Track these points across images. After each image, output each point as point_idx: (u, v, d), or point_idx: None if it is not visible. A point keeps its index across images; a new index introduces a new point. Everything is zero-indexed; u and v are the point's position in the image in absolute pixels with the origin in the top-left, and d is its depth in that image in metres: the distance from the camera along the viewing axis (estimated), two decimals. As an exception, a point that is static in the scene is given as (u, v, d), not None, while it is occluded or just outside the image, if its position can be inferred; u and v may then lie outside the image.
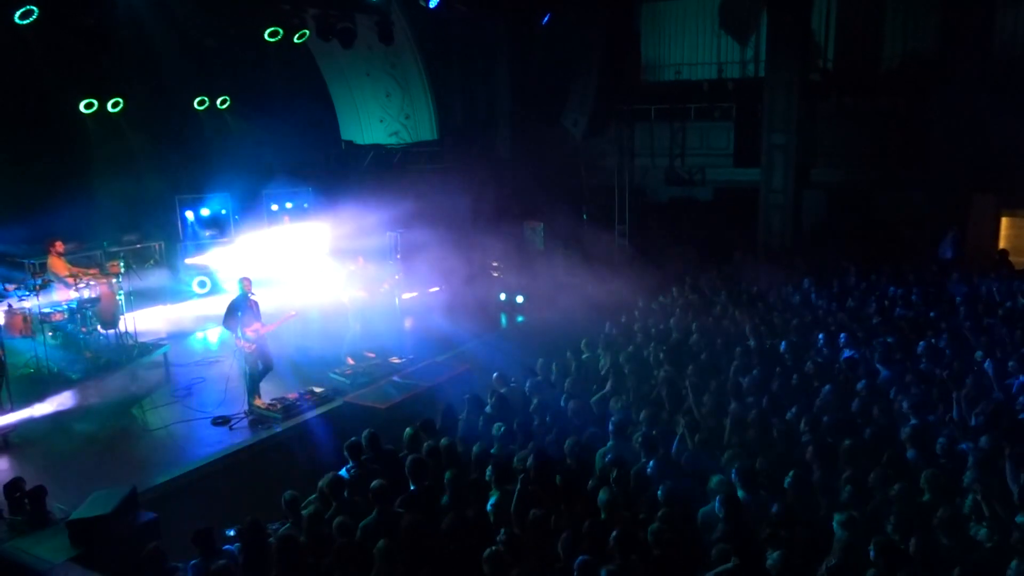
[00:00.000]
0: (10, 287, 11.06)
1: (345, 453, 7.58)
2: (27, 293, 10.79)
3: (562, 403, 8.67)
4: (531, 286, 15.50)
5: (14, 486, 7.42)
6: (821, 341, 10.46)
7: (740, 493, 6.19)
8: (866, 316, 11.61)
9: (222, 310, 10.32)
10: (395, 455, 7.71)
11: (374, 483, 6.47)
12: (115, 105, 13.73)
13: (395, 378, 11.07)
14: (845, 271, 14.40)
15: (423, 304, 15.01)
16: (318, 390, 10.55)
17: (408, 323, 14.01)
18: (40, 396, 9.87)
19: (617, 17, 20.01)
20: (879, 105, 17.13)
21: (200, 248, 15.03)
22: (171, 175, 15.37)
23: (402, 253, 15.18)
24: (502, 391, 9.11)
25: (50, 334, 10.99)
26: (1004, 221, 16.59)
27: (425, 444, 7.52)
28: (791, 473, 6.41)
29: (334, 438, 8.82)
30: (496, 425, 7.90)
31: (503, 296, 15.84)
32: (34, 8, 11.11)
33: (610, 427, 7.63)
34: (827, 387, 8.55)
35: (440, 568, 5.78)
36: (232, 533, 6.86)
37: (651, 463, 6.85)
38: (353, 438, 7.70)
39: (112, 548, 6.70)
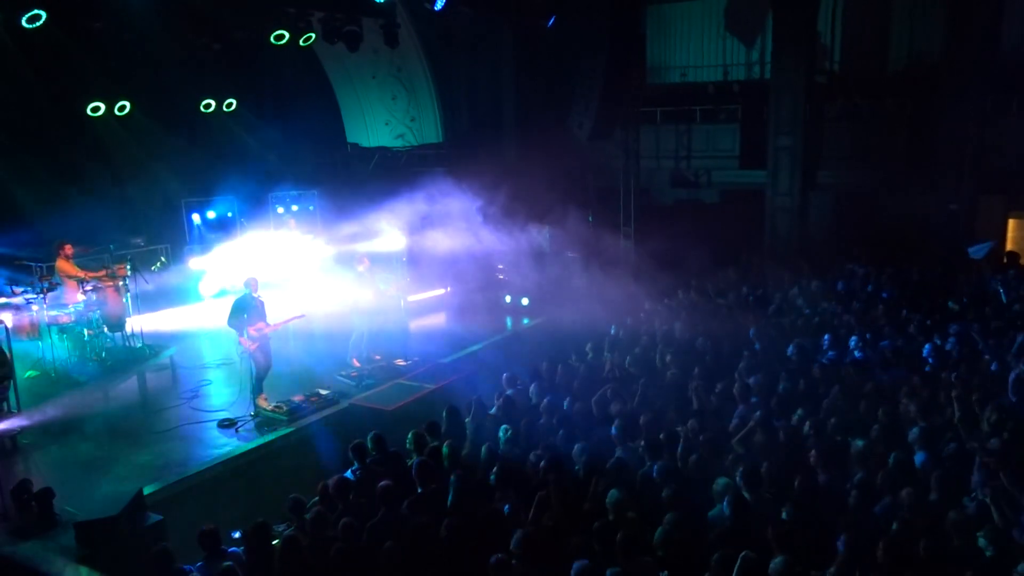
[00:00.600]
0: (17, 290, 11.09)
1: (351, 455, 7.59)
2: (34, 296, 10.83)
3: (566, 405, 8.67)
4: (537, 288, 15.49)
5: (22, 488, 7.44)
6: (827, 343, 10.43)
7: (745, 495, 6.17)
8: (872, 318, 11.57)
9: (228, 311, 10.35)
10: (401, 457, 7.71)
11: (380, 485, 6.47)
12: (122, 109, 13.77)
13: (401, 380, 11.07)
14: (851, 273, 14.36)
15: (429, 306, 15.02)
16: (324, 392, 10.56)
17: (414, 325, 14.01)
18: (47, 398, 9.89)
19: (623, 19, 19.95)
20: (885, 107, 17.09)
21: (206, 251, 15.05)
22: (177, 178, 15.41)
23: (408, 255, 15.18)
24: (509, 393, 9.11)
25: (57, 337, 11.03)
26: (1011, 223, 16.54)
27: (429, 446, 7.52)
28: (798, 477, 6.39)
29: (340, 440, 8.83)
30: (503, 428, 7.90)
31: (509, 298, 15.83)
32: (41, 12, 11.16)
33: (615, 430, 7.62)
34: (834, 389, 8.53)
35: (445, 570, 5.77)
36: (238, 535, 6.86)
37: (656, 466, 6.84)
38: (358, 440, 7.71)
39: (119, 550, 6.71)
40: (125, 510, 6.93)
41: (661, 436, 7.36)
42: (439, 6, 15.54)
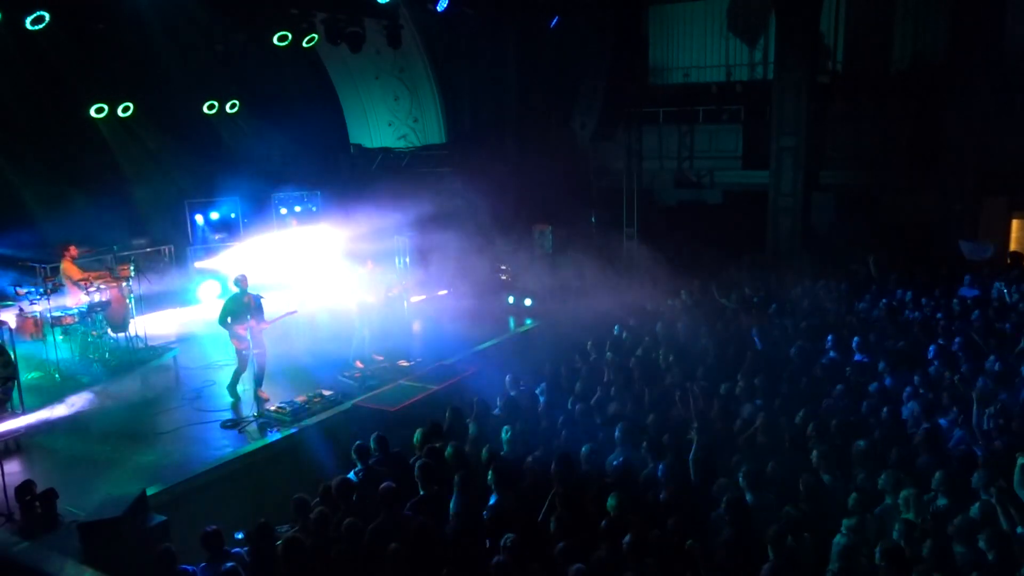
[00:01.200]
0: (22, 291, 11.11)
1: (353, 456, 7.60)
2: (38, 297, 10.85)
3: (569, 406, 8.66)
4: (539, 289, 15.49)
5: (25, 489, 7.45)
6: (830, 344, 10.42)
7: (748, 496, 6.17)
8: (876, 319, 11.56)
9: (219, 311, 10.43)
10: (404, 458, 7.71)
11: (382, 486, 6.47)
12: (125, 110, 13.80)
13: (404, 381, 11.06)
14: (854, 274, 14.34)
15: (432, 307, 15.02)
16: (327, 393, 10.56)
17: (417, 326, 14.02)
18: (51, 399, 9.91)
19: (625, 20, 20.03)
20: (889, 107, 17.07)
21: (210, 252, 15.07)
22: (181, 179, 15.41)
23: (411, 256, 15.19)
24: (512, 394, 9.11)
25: (61, 338, 11.05)
26: (1015, 224, 16.51)
27: (430, 446, 7.51)
28: (802, 477, 6.38)
29: (343, 441, 8.83)
30: (505, 428, 7.90)
31: (511, 299, 15.83)
32: (45, 14, 11.19)
33: (618, 432, 7.62)
34: (837, 389, 8.52)
35: (448, 571, 5.77)
36: (241, 536, 6.87)
37: (660, 467, 6.83)
38: (360, 441, 7.71)
39: (122, 551, 6.71)
40: (128, 511, 6.93)
41: (664, 438, 7.35)
42: (442, 7, 15.56)
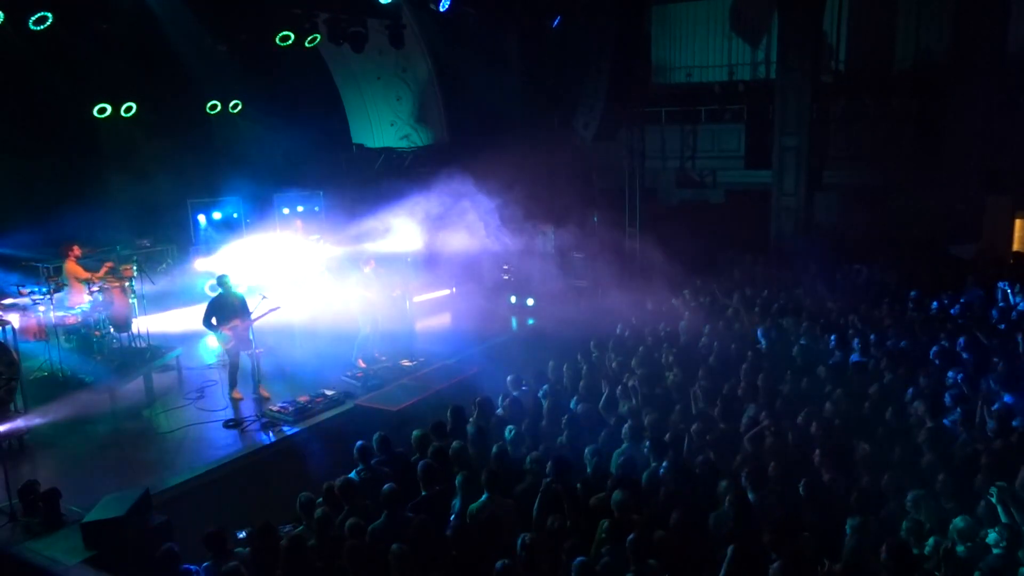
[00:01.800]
0: (24, 291, 11.13)
1: (356, 456, 7.60)
2: (41, 297, 10.87)
3: (572, 406, 8.66)
4: (542, 289, 15.48)
5: (29, 488, 7.47)
6: (832, 343, 10.40)
7: (750, 496, 6.17)
8: (878, 319, 11.54)
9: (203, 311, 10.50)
10: (406, 458, 7.72)
11: (384, 487, 6.47)
12: (128, 110, 13.82)
13: (406, 381, 11.08)
14: (857, 273, 14.31)
15: (434, 307, 15.02)
16: (329, 393, 10.58)
17: (419, 326, 14.02)
18: (54, 399, 9.93)
19: (628, 19, 19.98)
20: (892, 106, 17.05)
21: (212, 252, 15.09)
22: (183, 179, 15.41)
23: (413, 256, 15.19)
24: (514, 394, 9.11)
25: (64, 337, 11.07)
26: (1018, 223, 16.48)
27: (433, 446, 7.51)
28: (804, 478, 6.38)
29: (345, 441, 8.82)
30: (508, 428, 7.89)
31: (514, 299, 15.83)
32: (48, 14, 11.21)
33: (621, 431, 7.62)
34: (839, 390, 8.51)
35: (450, 571, 5.78)
36: (243, 536, 6.88)
37: (662, 467, 6.83)
38: (362, 441, 7.72)
39: (125, 550, 6.73)
40: (131, 510, 6.94)
41: (666, 437, 7.35)
42: (444, 7, 15.57)
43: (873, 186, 17.27)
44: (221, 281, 10.56)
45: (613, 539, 5.58)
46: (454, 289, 15.56)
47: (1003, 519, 5.70)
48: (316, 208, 16.50)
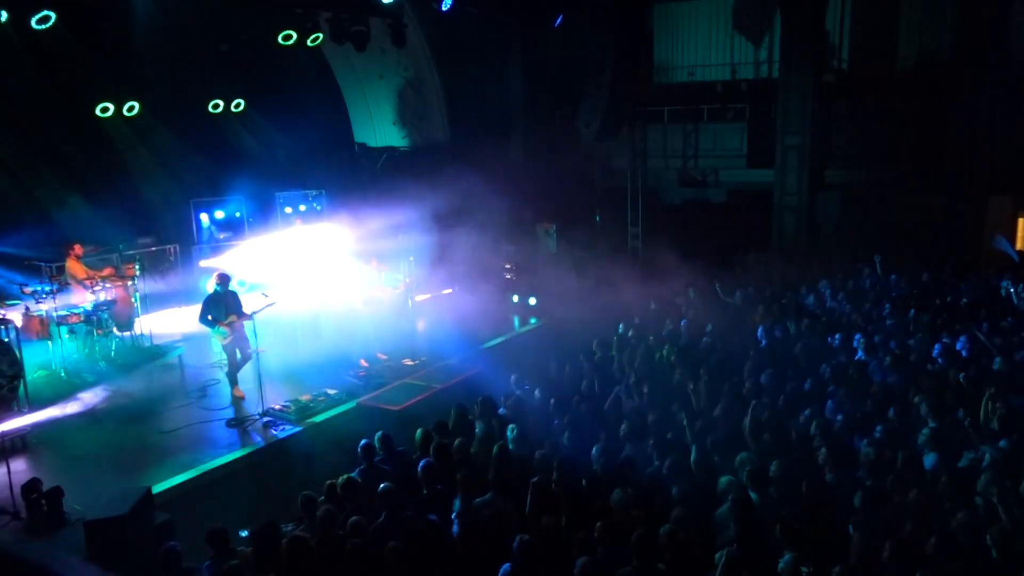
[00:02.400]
0: (27, 290, 11.15)
1: (358, 455, 7.60)
2: (44, 296, 10.88)
3: (574, 405, 8.66)
4: (544, 288, 15.48)
5: (31, 487, 7.48)
6: (835, 343, 10.39)
7: (752, 495, 6.16)
8: (881, 318, 11.53)
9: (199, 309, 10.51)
10: (408, 457, 7.72)
11: (382, 487, 6.47)
12: (131, 109, 13.84)
13: (408, 380, 11.08)
14: (859, 273, 14.30)
15: (436, 306, 15.03)
16: (332, 392, 10.58)
17: (421, 325, 14.03)
18: (56, 398, 9.96)
19: (630, 18, 19.91)
20: (894, 106, 17.03)
21: (215, 251, 15.11)
22: (186, 178, 15.45)
23: (415, 255, 15.20)
24: (517, 393, 9.11)
25: (66, 336, 11.09)
26: (1021, 222, 16.45)
27: (434, 444, 7.51)
28: (807, 477, 6.37)
29: (347, 440, 8.84)
30: (510, 427, 7.89)
31: (516, 298, 15.83)
32: (51, 13, 11.23)
33: (623, 429, 7.61)
34: (842, 389, 8.50)
35: (452, 571, 5.78)
36: (245, 534, 6.88)
37: (665, 465, 6.82)
38: (365, 440, 7.72)
39: (128, 548, 6.74)
40: (134, 509, 6.95)
41: (669, 435, 7.34)
42: (446, 6, 15.57)
43: (876, 185, 17.25)
44: (221, 279, 10.55)
45: (612, 539, 5.58)
46: (456, 288, 15.56)
47: (1005, 521, 5.69)
48: (318, 207, 16.52)
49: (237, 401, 10.57)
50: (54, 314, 10.89)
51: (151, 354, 11.71)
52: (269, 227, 15.18)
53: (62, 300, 11.02)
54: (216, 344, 11.27)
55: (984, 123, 15.42)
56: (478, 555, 5.81)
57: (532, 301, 15.60)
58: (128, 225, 14.16)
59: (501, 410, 8.73)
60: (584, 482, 6.69)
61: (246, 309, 10.47)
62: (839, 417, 7.82)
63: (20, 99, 12.88)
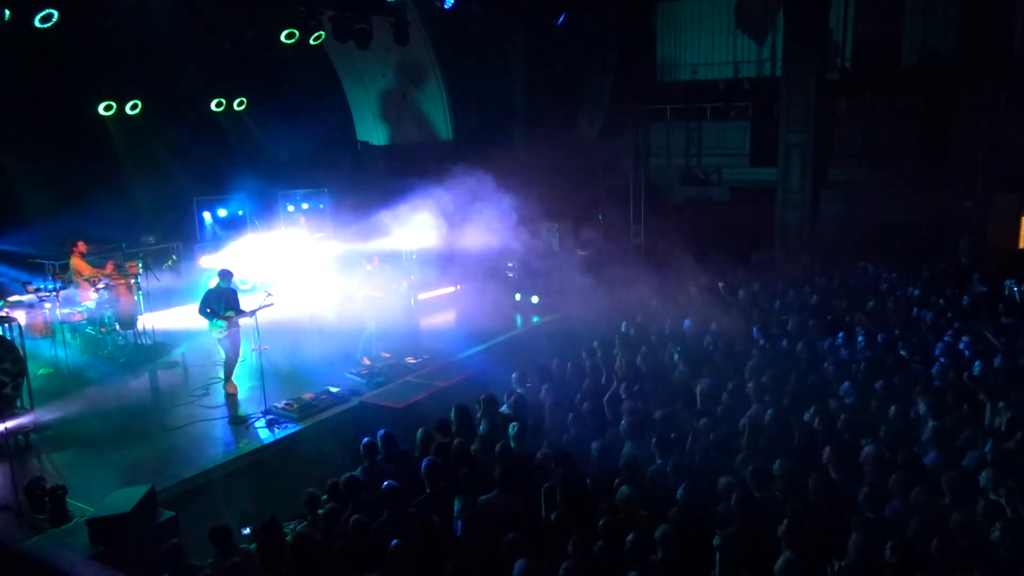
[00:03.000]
0: (31, 288, 11.17)
1: (361, 453, 7.61)
2: (47, 294, 10.90)
3: (577, 403, 8.65)
4: (546, 286, 15.47)
5: (35, 485, 7.50)
6: (838, 341, 10.38)
7: (756, 494, 6.15)
8: (884, 316, 11.51)
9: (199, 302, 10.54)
10: (410, 455, 7.72)
11: (385, 485, 6.48)
12: (133, 107, 13.87)
13: (411, 378, 11.08)
14: (863, 271, 14.28)
15: (439, 304, 15.02)
16: (334, 390, 10.58)
17: (424, 323, 14.02)
18: (60, 396, 9.98)
19: (633, 17, 19.99)
20: (897, 104, 17.00)
21: (218, 249, 15.12)
22: (189, 177, 15.47)
23: (418, 253, 15.19)
24: (519, 391, 9.10)
25: (70, 334, 11.10)
26: (1024, 221, 16.43)
27: (436, 443, 7.51)
28: (812, 476, 6.36)
29: (350, 438, 8.84)
30: (512, 425, 7.89)
31: (518, 296, 15.82)
32: (53, 11, 11.24)
33: (625, 427, 7.60)
34: (845, 387, 8.49)
35: (454, 569, 5.77)
36: (248, 532, 6.89)
37: (667, 464, 6.82)
38: (368, 438, 7.72)
39: (131, 546, 6.75)
40: (137, 507, 6.96)
41: (672, 434, 7.33)
42: (449, 4, 15.57)
43: (879, 184, 17.21)
44: (223, 275, 10.57)
45: (614, 536, 5.58)
46: (459, 286, 15.56)
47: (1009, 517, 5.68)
48: (321, 205, 16.53)
49: (229, 396, 10.58)
50: (57, 312, 10.90)
51: (154, 352, 11.72)
52: (272, 225, 15.20)
53: (65, 298, 11.04)
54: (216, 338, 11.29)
55: (987, 121, 15.38)
56: (483, 552, 5.80)
57: (535, 299, 15.59)
58: (131, 223, 14.20)
59: (503, 408, 8.72)
60: (588, 480, 6.68)
61: (244, 307, 10.49)
62: (842, 417, 7.79)
63: (24, 98, 12.90)
